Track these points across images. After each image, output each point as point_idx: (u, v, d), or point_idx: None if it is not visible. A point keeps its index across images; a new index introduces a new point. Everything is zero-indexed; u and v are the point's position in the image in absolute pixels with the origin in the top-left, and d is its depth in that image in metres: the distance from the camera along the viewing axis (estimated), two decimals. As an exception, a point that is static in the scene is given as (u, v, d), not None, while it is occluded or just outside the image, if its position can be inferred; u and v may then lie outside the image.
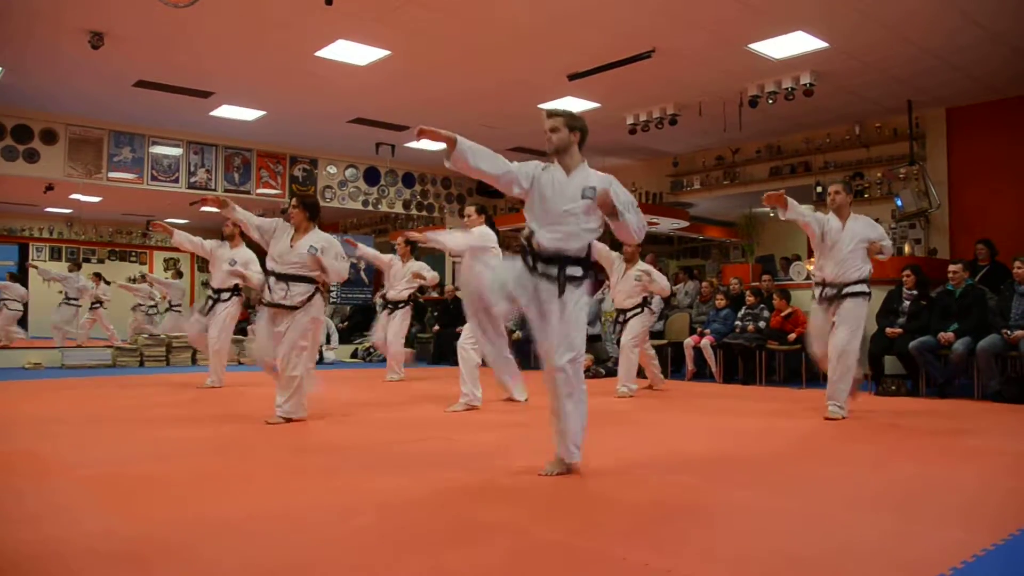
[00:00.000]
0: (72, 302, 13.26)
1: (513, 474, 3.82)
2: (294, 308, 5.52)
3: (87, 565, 2.45)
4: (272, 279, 5.61)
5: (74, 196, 14.68)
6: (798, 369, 8.77)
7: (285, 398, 5.50)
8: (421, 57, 8.91)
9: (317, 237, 5.71)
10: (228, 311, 8.11)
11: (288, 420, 5.49)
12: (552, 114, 3.86)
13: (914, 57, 8.72)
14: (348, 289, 14.40)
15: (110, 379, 9.25)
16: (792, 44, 8.37)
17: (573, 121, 3.85)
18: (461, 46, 8.56)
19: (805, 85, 9.22)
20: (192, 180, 12.36)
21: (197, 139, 12.37)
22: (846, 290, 5.92)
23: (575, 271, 3.75)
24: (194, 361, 11.55)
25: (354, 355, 13.64)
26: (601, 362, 10.31)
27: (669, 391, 8.24)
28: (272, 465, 4.14)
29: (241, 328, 10.18)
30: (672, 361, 9.80)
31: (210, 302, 8.15)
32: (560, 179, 3.77)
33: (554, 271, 3.70)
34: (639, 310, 7.87)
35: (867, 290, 5.99)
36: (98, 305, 13.60)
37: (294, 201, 5.79)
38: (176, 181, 12.27)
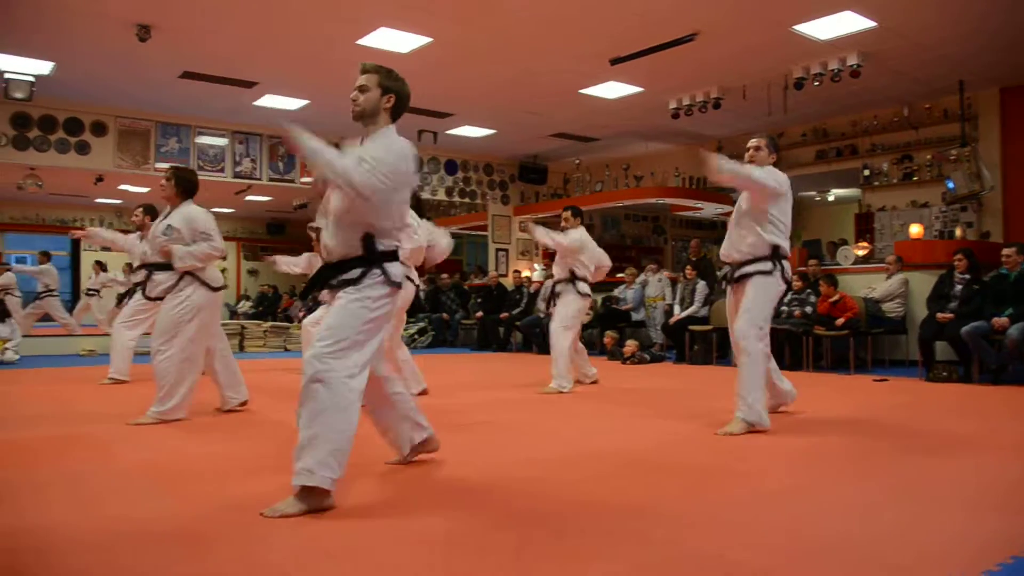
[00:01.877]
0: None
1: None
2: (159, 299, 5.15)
3: (145, 546, 2.50)
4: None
5: (123, 187, 15.00)
6: (846, 355, 8.64)
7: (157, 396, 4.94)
8: (462, 44, 8.91)
9: (180, 214, 5.14)
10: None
11: (159, 422, 4.87)
12: (364, 69, 3.26)
13: (966, 35, 8.50)
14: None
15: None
16: (839, 24, 8.21)
17: (389, 81, 3.24)
18: (503, 32, 8.54)
19: (852, 66, 9.05)
20: (237, 169, 12.52)
21: (242, 129, 12.53)
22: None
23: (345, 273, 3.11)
24: (241, 348, 11.73)
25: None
26: (645, 348, 10.26)
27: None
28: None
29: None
30: (718, 347, 9.71)
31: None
32: None
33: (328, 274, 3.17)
34: (568, 287, 6.93)
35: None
36: (94, 293, 13.85)
37: (167, 173, 5.22)
38: (222, 171, 12.44)
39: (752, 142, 4.92)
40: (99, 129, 11.38)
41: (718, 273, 10.74)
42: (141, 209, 7.16)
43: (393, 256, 3.16)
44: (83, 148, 11.25)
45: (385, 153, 3.09)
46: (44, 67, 9.61)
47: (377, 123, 3.21)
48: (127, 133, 11.62)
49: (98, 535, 2.60)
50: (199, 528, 2.69)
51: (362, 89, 3.19)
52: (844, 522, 2.78)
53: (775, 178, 4.71)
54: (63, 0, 7.66)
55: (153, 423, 4.87)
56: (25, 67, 9.58)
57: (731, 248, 4.86)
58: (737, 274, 4.81)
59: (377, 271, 3.09)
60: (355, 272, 3.08)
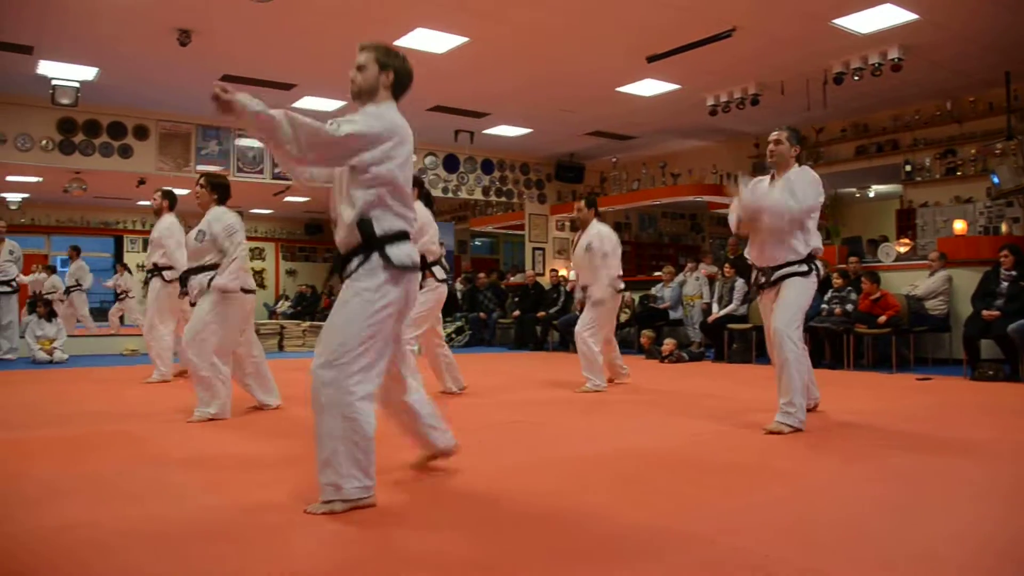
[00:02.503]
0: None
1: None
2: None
3: (188, 542, 2.55)
4: None
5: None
6: (888, 353, 8.52)
7: (201, 400, 5.05)
8: (499, 43, 8.93)
9: (209, 217, 5.28)
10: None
11: (208, 420, 4.99)
12: (362, 47, 3.11)
13: (1012, 25, 8.32)
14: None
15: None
16: (880, 17, 8.09)
17: (387, 57, 3.09)
18: (539, 31, 8.54)
19: (893, 60, 8.91)
20: (276, 171, 12.65)
21: (281, 131, 12.62)
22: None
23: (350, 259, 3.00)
24: (280, 347, 11.87)
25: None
26: (683, 347, 10.20)
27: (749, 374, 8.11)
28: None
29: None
30: (757, 345, 9.62)
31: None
32: None
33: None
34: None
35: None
36: (124, 295, 13.93)
37: (201, 180, 5.41)
38: (261, 172, 12.58)
39: (773, 135, 4.87)
40: (141, 133, 11.58)
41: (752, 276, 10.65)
42: (160, 193, 7.36)
43: (397, 238, 2.97)
44: (126, 152, 11.46)
45: (366, 116, 2.99)
46: (89, 73, 9.82)
47: (377, 102, 3.07)
48: (168, 136, 11.81)
49: (148, 529, 2.66)
50: (240, 524, 2.74)
51: (360, 68, 3.06)
52: (887, 520, 2.74)
53: (816, 191, 4.71)
54: (107, 8, 7.82)
55: (202, 420, 4.97)
56: (71, 73, 9.79)
57: (767, 251, 4.78)
58: (775, 276, 4.75)
59: (375, 255, 2.92)
60: (353, 263, 2.95)
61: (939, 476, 3.49)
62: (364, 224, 2.92)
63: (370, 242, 2.92)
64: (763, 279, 4.82)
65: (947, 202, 11.20)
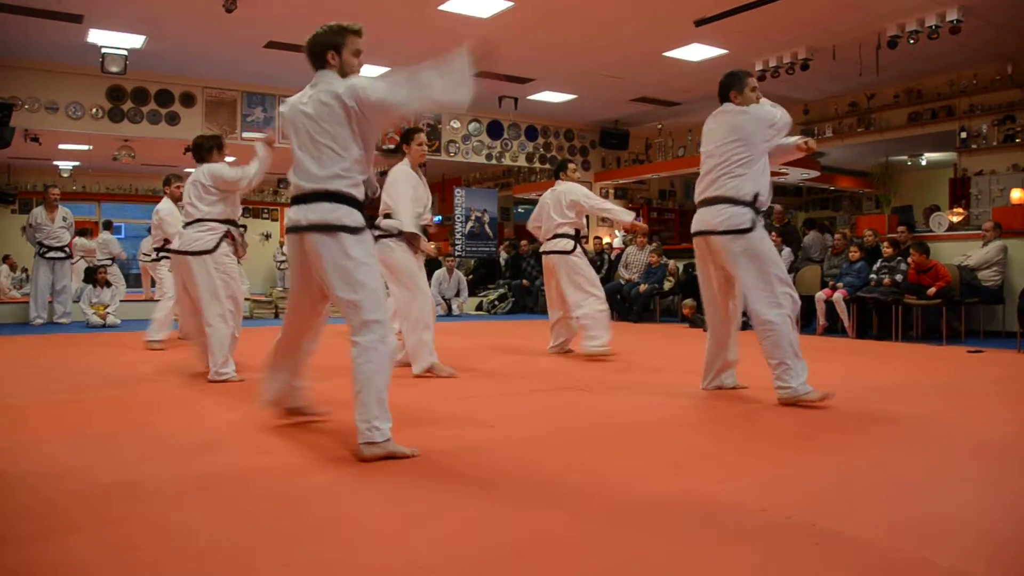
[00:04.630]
0: None
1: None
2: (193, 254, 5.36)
3: (238, 498, 2.61)
4: None
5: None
6: (937, 325, 8.35)
7: (212, 360, 5.23)
8: (543, 6, 8.82)
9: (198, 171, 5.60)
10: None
11: (220, 380, 5.14)
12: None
13: (1077, -13, 8.02)
14: (473, 242, 14.59)
15: (249, 330, 9.68)
16: (938, -22, 7.84)
17: None
18: (584, -5, 8.42)
19: (952, 22, 8.61)
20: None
21: (325, 97, 12.66)
22: None
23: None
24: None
25: (479, 307, 13.83)
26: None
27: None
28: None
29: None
30: (803, 315, 9.49)
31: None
32: None
33: None
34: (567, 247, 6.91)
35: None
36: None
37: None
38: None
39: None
40: (188, 100, 11.69)
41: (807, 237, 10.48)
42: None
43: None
44: (173, 119, 11.59)
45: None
46: (136, 41, 9.92)
47: None
48: (214, 103, 11.91)
49: (195, 484, 2.72)
50: (291, 482, 2.79)
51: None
52: (932, 496, 2.71)
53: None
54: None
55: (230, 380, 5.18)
56: (119, 41, 9.91)
57: None
58: None
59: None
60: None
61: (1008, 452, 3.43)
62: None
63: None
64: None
65: (1004, 170, 10.89)
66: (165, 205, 7.53)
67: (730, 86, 4.51)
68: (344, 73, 3.36)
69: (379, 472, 2.94)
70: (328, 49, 3.39)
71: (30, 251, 10.67)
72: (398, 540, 2.26)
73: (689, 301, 10.80)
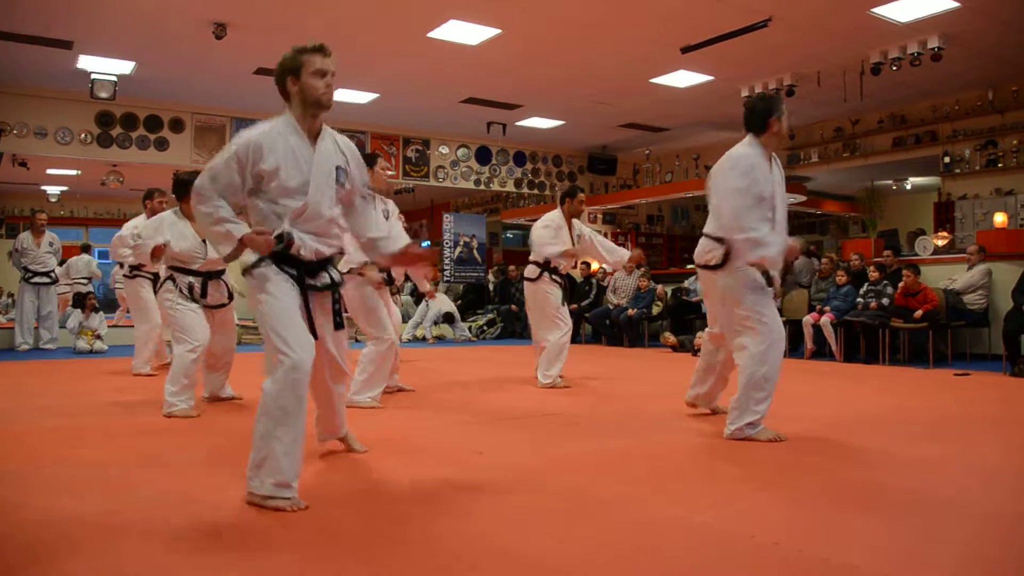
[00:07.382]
0: None
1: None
2: None
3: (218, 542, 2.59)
4: None
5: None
6: (924, 348, 8.39)
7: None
8: (532, 35, 8.90)
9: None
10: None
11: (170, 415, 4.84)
12: (329, 52, 3.24)
13: (1056, 13, 8.15)
14: (461, 267, 14.60)
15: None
16: (919, 5, 7.95)
17: None
18: (572, 22, 8.50)
19: (933, 49, 8.73)
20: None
21: (314, 123, 12.70)
22: None
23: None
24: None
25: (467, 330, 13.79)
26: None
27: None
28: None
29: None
30: (790, 339, 9.53)
31: None
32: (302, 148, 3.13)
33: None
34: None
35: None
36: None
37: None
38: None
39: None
40: (177, 126, 11.72)
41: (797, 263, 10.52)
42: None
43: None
44: (162, 144, 11.61)
45: None
46: (126, 67, 9.95)
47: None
48: (203, 129, 11.95)
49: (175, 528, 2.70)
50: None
51: (333, 74, 3.19)
52: (920, 521, 2.71)
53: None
54: (144, 1, 7.91)
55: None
56: (109, 67, 9.94)
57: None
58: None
59: None
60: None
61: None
62: None
63: None
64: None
65: (987, 194, 11.01)
66: (136, 221, 7.36)
67: None
68: (308, 97, 3.10)
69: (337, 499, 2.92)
70: (287, 76, 3.15)
71: (15, 276, 10.62)
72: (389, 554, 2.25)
73: (668, 335, 10.84)
